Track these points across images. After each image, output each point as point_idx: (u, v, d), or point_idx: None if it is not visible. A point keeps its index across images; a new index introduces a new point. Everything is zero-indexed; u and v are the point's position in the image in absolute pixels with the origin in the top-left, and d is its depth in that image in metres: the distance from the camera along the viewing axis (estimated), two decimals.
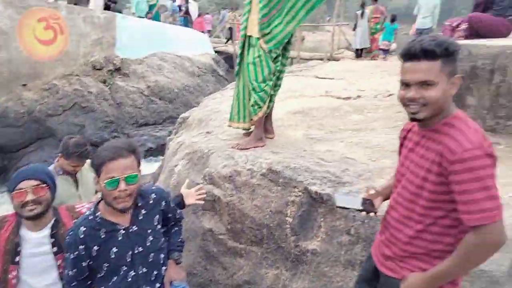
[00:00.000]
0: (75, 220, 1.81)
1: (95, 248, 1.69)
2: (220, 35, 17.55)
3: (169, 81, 9.93)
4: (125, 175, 1.61)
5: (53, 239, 1.81)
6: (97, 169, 1.63)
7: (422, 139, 1.41)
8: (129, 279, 1.75)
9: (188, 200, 2.10)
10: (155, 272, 1.83)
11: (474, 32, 3.67)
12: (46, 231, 1.81)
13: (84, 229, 1.68)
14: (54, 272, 1.81)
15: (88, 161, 3.05)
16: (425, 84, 1.30)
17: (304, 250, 2.23)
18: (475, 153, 1.23)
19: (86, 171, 2.95)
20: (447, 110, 1.35)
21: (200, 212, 2.59)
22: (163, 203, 1.88)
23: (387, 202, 1.60)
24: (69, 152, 2.71)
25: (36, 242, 1.79)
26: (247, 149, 2.80)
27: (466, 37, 3.62)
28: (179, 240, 2.01)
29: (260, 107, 2.83)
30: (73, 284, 1.73)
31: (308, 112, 4.18)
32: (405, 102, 1.35)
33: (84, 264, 1.70)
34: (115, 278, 1.73)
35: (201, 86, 10.71)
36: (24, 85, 7.98)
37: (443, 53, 1.28)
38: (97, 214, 1.71)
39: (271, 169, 2.47)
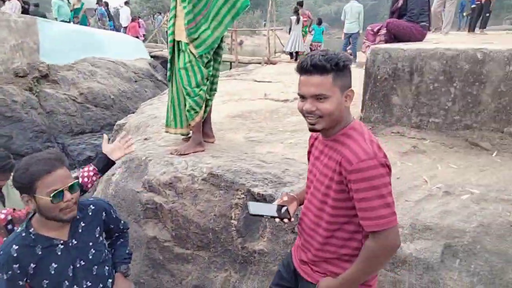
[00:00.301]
0: (4, 239, 1.70)
1: (32, 265, 1.60)
2: (157, 39, 17.16)
3: (103, 87, 9.48)
4: (68, 184, 1.57)
5: None
6: (29, 186, 1.53)
7: (325, 148, 1.49)
8: None
9: (116, 155, 2.02)
10: (100, 285, 1.78)
11: (392, 36, 3.98)
12: None
13: (17, 247, 1.58)
14: None
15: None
16: (318, 97, 1.36)
17: (251, 251, 2.26)
18: (370, 163, 1.31)
19: (11, 187, 2.74)
20: (345, 120, 1.44)
21: (143, 220, 2.52)
22: (103, 214, 1.82)
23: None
24: None
25: None
26: (186, 154, 2.78)
27: (386, 41, 3.91)
28: (126, 252, 1.94)
29: (196, 112, 2.82)
30: None
31: (247, 115, 4.24)
32: (304, 113, 1.41)
33: (21, 283, 1.61)
34: None
35: (139, 91, 10.37)
36: None
37: (333, 68, 1.34)
38: (30, 231, 1.62)
39: (212, 173, 2.47)
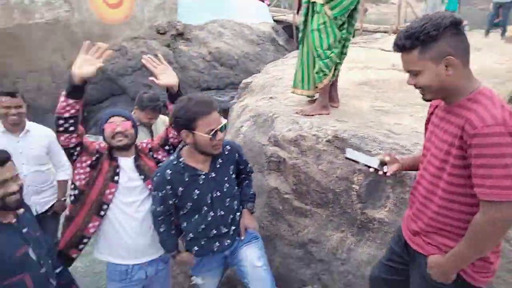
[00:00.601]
0: (160, 164, 2.05)
1: (180, 189, 1.93)
2: (280, 4, 17.22)
3: (229, 48, 10.02)
4: (220, 125, 1.83)
5: (138, 169, 2.11)
6: (190, 123, 1.81)
7: (447, 115, 1.43)
8: (209, 219, 1.99)
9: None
10: (230, 216, 2.06)
11: None
12: (131, 160, 2.12)
13: (170, 172, 1.92)
14: (142, 194, 2.10)
15: (161, 116, 3.27)
16: (412, 72, 1.39)
17: (371, 217, 2.26)
18: (496, 129, 1.22)
19: (160, 125, 3.18)
20: (466, 87, 1.35)
21: (266, 171, 2.69)
22: (237, 154, 2.10)
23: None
24: (144, 105, 2.95)
25: (127, 167, 2.09)
26: (311, 115, 2.83)
27: None
28: (251, 192, 2.20)
29: (325, 75, 2.82)
30: (160, 218, 2.00)
31: (374, 84, 4.07)
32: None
33: (170, 202, 1.96)
34: (197, 216, 1.98)
35: (260, 54, 10.71)
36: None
37: (415, 43, 1.33)
38: (180, 160, 1.94)
39: (337, 136, 2.48)
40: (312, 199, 2.51)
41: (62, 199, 3.11)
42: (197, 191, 1.94)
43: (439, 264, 1.43)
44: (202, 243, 2.04)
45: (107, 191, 2.04)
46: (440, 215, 1.44)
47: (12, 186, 1.71)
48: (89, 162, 2.05)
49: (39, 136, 2.96)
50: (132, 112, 3.06)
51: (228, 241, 2.08)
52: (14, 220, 1.79)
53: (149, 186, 2.08)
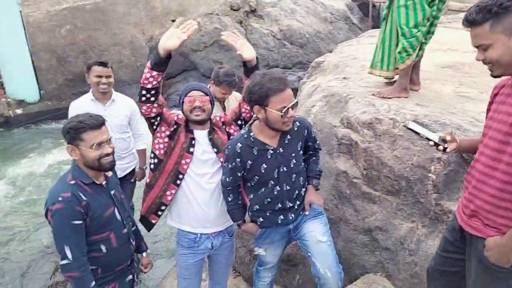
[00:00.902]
0: (232, 137, 2.12)
1: (249, 162, 1.98)
2: None
3: (301, 26, 9.82)
4: (292, 103, 1.85)
5: (211, 142, 2.17)
6: (263, 99, 1.83)
7: None
8: (275, 193, 2.03)
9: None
10: (296, 192, 2.08)
11: None
12: (206, 133, 2.18)
13: (240, 145, 1.97)
14: (215, 167, 2.17)
15: (234, 93, 3.32)
16: (481, 47, 1.37)
17: (446, 209, 2.12)
18: None
19: (232, 100, 3.24)
20: None
21: (336, 153, 2.64)
22: (305, 131, 2.10)
23: None
24: (220, 80, 3.01)
25: (202, 139, 2.16)
26: (389, 98, 2.68)
27: None
28: (317, 169, 2.21)
29: (408, 55, 2.64)
30: (229, 188, 2.08)
31: (459, 67, 3.74)
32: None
33: (239, 174, 2.03)
34: (263, 189, 2.04)
35: (332, 33, 10.36)
36: (173, 20, 8.78)
37: (486, 17, 1.31)
38: (251, 134, 1.99)
39: (416, 121, 2.33)
40: (383, 185, 2.41)
41: (143, 167, 3.34)
42: (264, 165, 1.98)
43: (498, 245, 1.36)
44: (267, 215, 2.10)
45: (183, 161, 2.13)
46: (503, 191, 1.37)
47: (107, 148, 1.86)
48: (168, 132, 2.15)
49: (123, 106, 3.18)
50: (208, 87, 3.15)
51: (293, 215, 2.11)
52: (104, 182, 1.96)
53: (221, 159, 2.15)
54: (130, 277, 2.09)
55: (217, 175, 2.16)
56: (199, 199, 2.17)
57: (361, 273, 2.59)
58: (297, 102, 1.90)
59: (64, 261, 1.78)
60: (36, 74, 7.84)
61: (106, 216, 1.89)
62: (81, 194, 1.81)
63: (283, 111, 1.83)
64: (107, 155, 1.85)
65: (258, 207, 2.11)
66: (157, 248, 4.25)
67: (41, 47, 7.82)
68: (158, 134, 2.17)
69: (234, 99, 3.28)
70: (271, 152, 1.99)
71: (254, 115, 2.01)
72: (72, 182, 1.84)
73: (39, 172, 5.81)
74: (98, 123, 1.84)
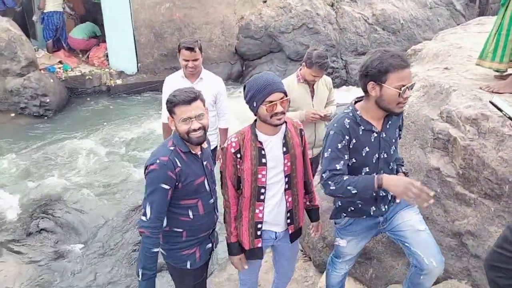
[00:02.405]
0: (336, 115, 1.98)
1: (354, 141, 1.87)
2: None
3: (396, 11, 9.22)
4: (410, 84, 1.77)
5: (284, 141, 2.02)
6: (381, 75, 1.74)
7: None
8: None
9: None
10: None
11: None
12: (281, 135, 2.02)
13: (348, 121, 1.87)
14: (280, 166, 2.03)
15: (325, 76, 3.25)
16: None
17: None
18: None
19: (322, 85, 3.18)
20: None
21: (429, 148, 2.46)
22: (401, 119, 2.02)
23: None
24: (312, 62, 2.96)
25: (273, 144, 2.00)
26: (500, 93, 2.41)
27: None
28: (400, 157, 2.13)
29: None
30: (340, 175, 1.83)
31: None
32: None
33: (347, 157, 1.86)
34: (358, 175, 1.89)
35: (430, 20, 9.57)
36: (265, 1, 8.83)
37: None
38: (357, 113, 1.88)
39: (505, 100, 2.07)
40: (481, 187, 2.20)
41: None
42: (367, 149, 1.88)
43: None
44: (359, 206, 2.00)
45: (259, 176, 2.03)
46: None
47: (195, 124, 1.93)
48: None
49: (210, 84, 3.28)
50: (299, 69, 3.13)
51: (386, 206, 2.02)
52: (199, 153, 2.07)
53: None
54: (210, 245, 2.21)
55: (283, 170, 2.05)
56: (277, 200, 2.08)
57: (444, 277, 2.42)
58: (413, 84, 1.80)
59: (143, 217, 1.93)
60: (136, 49, 8.48)
61: (196, 184, 2.01)
62: (177, 161, 1.94)
63: (402, 89, 1.73)
64: (195, 130, 1.92)
65: None
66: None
67: (142, 23, 8.41)
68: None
69: (324, 84, 3.22)
70: (375, 135, 1.88)
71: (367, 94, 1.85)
72: (172, 148, 1.97)
73: (136, 137, 6.36)
74: (188, 98, 1.91)
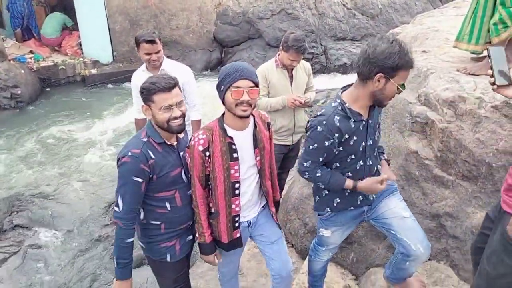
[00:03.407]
0: (322, 111, 1.88)
1: (346, 136, 1.82)
2: None
3: None
4: (403, 82, 1.77)
5: (253, 136, 1.96)
6: (390, 69, 1.68)
7: None
8: (357, 168, 1.92)
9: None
10: (376, 167, 1.98)
11: None
12: (250, 130, 1.95)
13: (338, 118, 1.80)
14: (252, 161, 1.98)
15: (303, 62, 3.20)
16: None
17: None
18: None
19: (301, 71, 3.13)
20: None
21: (407, 132, 2.46)
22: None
23: None
24: (289, 45, 2.90)
25: (243, 139, 1.93)
26: (476, 75, 2.42)
27: None
28: (380, 146, 2.11)
29: (506, 27, 2.34)
30: (313, 169, 1.90)
31: None
32: None
33: (334, 150, 1.85)
34: (344, 164, 1.90)
35: (408, 4, 9.60)
36: None
37: None
38: (345, 105, 1.82)
39: (508, 102, 2.08)
40: (459, 169, 2.22)
41: None
42: (354, 137, 1.84)
43: None
44: (346, 194, 1.97)
45: (232, 171, 1.97)
46: None
47: (176, 111, 1.86)
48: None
49: (175, 75, 3.11)
50: (277, 55, 3.06)
51: (373, 195, 2.00)
52: (175, 143, 2.00)
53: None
54: (190, 237, 2.16)
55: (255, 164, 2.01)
56: (250, 193, 2.05)
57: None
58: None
59: (116, 208, 1.89)
60: (110, 37, 8.22)
61: (172, 175, 1.95)
62: (150, 153, 1.87)
63: (402, 86, 1.74)
64: (176, 118, 1.87)
65: None
66: None
67: (116, 10, 8.14)
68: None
69: (303, 69, 3.17)
70: (364, 123, 1.85)
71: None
72: (145, 139, 1.90)
73: (113, 127, 6.20)
74: (168, 85, 1.84)
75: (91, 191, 4.49)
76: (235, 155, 1.89)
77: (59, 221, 3.99)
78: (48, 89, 7.63)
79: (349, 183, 1.89)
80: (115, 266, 1.92)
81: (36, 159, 5.23)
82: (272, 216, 2.17)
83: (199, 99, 3.25)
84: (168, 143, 1.95)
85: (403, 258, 2.00)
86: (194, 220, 2.15)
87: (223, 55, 8.82)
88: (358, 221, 2.13)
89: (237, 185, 1.95)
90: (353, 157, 1.88)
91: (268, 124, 2.07)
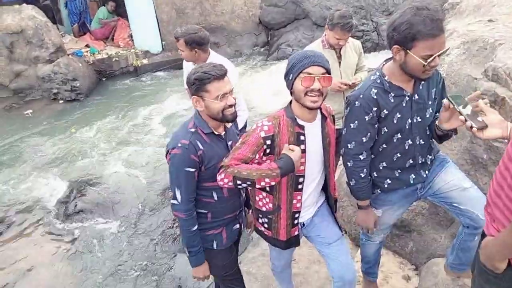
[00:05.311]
0: (360, 84, 1.79)
1: (385, 111, 1.70)
2: None
3: None
4: (440, 51, 1.54)
5: (321, 129, 1.83)
6: (407, 42, 1.53)
7: None
8: (406, 147, 1.77)
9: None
10: (429, 145, 1.82)
11: None
12: (318, 122, 1.83)
13: (375, 90, 1.69)
14: (320, 155, 1.86)
15: (353, 40, 3.01)
16: None
17: None
18: None
19: (350, 50, 2.95)
20: None
21: None
22: (440, 79, 1.82)
23: None
24: (333, 23, 2.74)
25: (311, 130, 1.80)
26: None
27: None
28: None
29: None
30: (362, 157, 1.79)
31: None
32: None
33: (376, 126, 1.73)
34: (391, 144, 1.77)
35: None
36: None
37: None
38: (385, 78, 1.70)
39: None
40: None
41: None
42: (398, 115, 1.70)
43: (486, 246, 1.23)
44: (396, 175, 1.85)
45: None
46: (500, 189, 1.16)
47: (231, 99, 1.81)
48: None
49: None
50: (324, 34, 2.91)
51: (426, 172, 1.86)
52: (223, 133, 1.97)
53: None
54: (237, 226, 2.14)
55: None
56: (311, 189, 1.94)
57: None
58: (446, 50, 1.57)
59: (174, 201, 1.89)
60: (159, 27, 8.39)
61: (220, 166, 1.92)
62: (198, 143, 1.85)
63: (428, 60, 1.52)
64: (230, 106, 1.82)
65: (385, 165, 1.83)
66: None
67: (163, 0, 8.27)
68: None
69: (353, 48, 2.98)
70: (407, 99, 1.70)
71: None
72: (193, 130, 1.87)
73: (167, 115, 6.39)
74: (221, 73, 1.78)
75: (147, 178, 4.67)
76: (302, 146, 1.75)
77: (116, 208, 4.19)
78: (104, 80, 8.00)
79: (364, 202, 1.91)
80: (187, 255, 1.96)
81: (96, 147, 5.52)
82: (331, 215, 2.05)
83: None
84: (216, 133, 1.93)
85: (471, 233, 1.82)
86: (241, 209, 2.13)
87: (269, 38, 8.68)
88: (412, 199, 1.98)
89: (301, 179, 1.84)
90: (399, 136, 1.73)
91: (333, 117, 1.94)
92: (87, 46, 8.41)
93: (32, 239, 3.80)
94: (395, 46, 1.58)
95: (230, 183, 1.73)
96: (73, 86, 7.17)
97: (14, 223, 3.99)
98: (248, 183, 1.70)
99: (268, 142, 1.71)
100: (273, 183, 1.72)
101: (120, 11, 8.89)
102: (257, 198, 1.97)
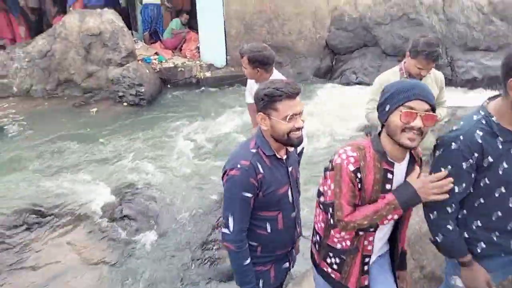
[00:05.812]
0: (459, 124, 1.51)
1: (489, 159, 1.44)
2: None
3: None
4: None
5: (407, 169, 1.59)
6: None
7: None
8: (510, 205, 1.50)
9: None
10: None
11: None
12: (405, 163, 1.58)
13: (481, 133, 1.44)
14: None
15: (435, 71, 2.73)
16: None
17: None
18: None
19: (431, 82, 2.68)
20: None
21: None
22: None
23: None
24: (417, 50, 2.49)
25: (397, 171, 1.56)
26: None
27: None
28: None
29: None
30: (450, 208, 1.53)
31: None
32: None
33: (473, 176, 1.47)
34: (490, 199, 1.50)
35: None
36: None
37: None
38: (492, 119, 1.45)
39: None
40: None
41: None
42: (505, 165, 1.44)
43: None
44: (494, 238, 1.56)
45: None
46: None
47: (299, 121, 1.65)
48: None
49: None
50: (403, 62, 2.67)
51: None
52: (285, 157, 1.80)
53: None
54: (287, 265, 1.95)
55: None
56: (382, 234, 1.71)
57: None
58: None
59: (225, 230, 1.73)
60: (226, 41, 8.53)
61: (279, 193, 1.75)
62: (259, 166, 1.69)
63: None
64: (298, 129, 1.65)
65: (479, 225, 1.55)
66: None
67: (233, 15, 8.40)
68: None
69: (434, 80, 2.69)
70: None
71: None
72: (254, 150, 1.72)
73: (226, 131, 6.36)
74: (294, 91, 1.62)
75: (195, 192, 4.60)
76: (388, 186, 1.53)
77: (160, 218, 4.15)
78: (167, 88, 8.23)
79: (465, 258, 1.57)
80: None
81: (152, 154, 5.60)
82: (392, 272, 1.79)
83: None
84: (278, 156, 1.75)
85: None
86: (293, 245, 1.93)
87: (333, 63, 8.48)
88: (511, 270, 1.67)
89: None
90: (503, 190, 1.46)
91: (421, 160, 1.70)
92: (156, 53, 8.75)
93: (69, 240, 3.83)
94: (510, 79, 1.35)
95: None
96: (138, 92, 7.44)
97: (56, 222, 4.06)
98: (371, 229, 1.56)
99: (358, 175, 1.50)
100: (396, 217, 1.53)
101: (191, 23, 9.19)
102: (332, 232, 1.68)
